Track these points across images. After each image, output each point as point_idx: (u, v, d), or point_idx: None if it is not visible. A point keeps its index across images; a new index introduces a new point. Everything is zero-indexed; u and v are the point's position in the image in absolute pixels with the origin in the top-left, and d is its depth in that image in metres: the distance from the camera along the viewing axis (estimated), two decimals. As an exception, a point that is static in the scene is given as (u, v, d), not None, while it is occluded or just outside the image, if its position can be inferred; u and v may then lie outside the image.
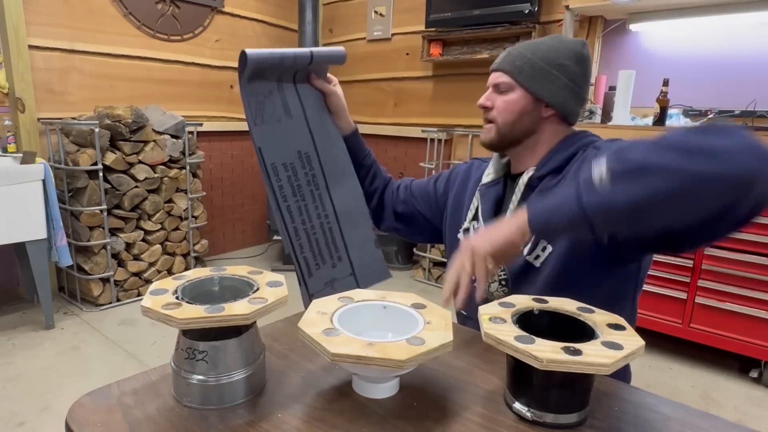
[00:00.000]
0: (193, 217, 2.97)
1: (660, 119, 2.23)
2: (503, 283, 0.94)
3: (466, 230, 1.03)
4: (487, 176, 1.03)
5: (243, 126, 3.59)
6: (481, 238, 0.74)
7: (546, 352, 0.50)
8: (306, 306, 0.75)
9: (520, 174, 0.96)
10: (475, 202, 1.02)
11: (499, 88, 0.95)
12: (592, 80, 2.53)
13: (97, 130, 2.40)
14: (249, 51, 0.87)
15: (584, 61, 0.93)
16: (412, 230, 1.19)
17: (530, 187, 0.93)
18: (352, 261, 1.06)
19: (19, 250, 2.43)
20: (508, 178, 1.01)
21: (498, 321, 0.58)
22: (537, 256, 0.88)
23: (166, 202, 2.80)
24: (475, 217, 1.01)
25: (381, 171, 1.19)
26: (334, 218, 1.04)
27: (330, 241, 1.04)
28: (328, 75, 1.06)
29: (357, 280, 1.05)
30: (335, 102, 1.04)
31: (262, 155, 0.94)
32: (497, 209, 0.98)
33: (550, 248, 0.87)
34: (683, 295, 2.15)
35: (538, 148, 0.95)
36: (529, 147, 0.96)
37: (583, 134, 0.96)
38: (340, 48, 1.01)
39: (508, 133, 0.95)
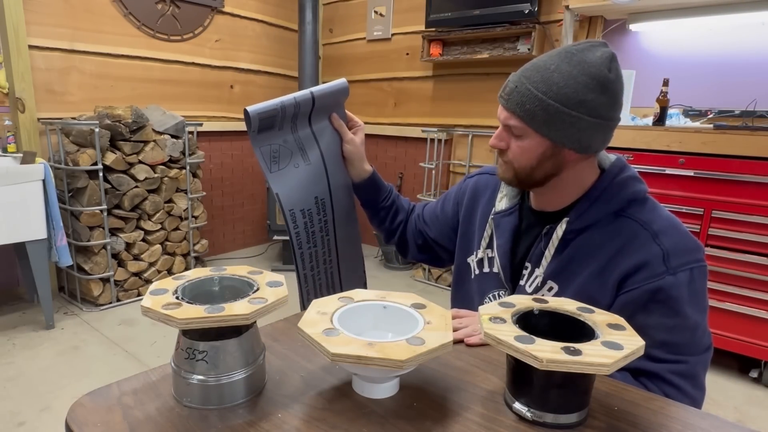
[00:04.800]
0: (193, 217, 2.97)
1: (660, 119, 2.23)
2: None
3: (481, 260, 0.98)
4: (500, 201, 0.97)
5: (243, 126, 3.57)
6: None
7: (546, 352, 0.50)
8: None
9: (543, 213, 0.90)
10: (489, 229, 0.97)
11: (511, 131, 0.83)
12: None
13: (97, 130, 2.40)
14: (250, 108, 0.84)
15: (611, 85, 0.76)
16: (434, 258, 1.17)
17: (563, 239, 0.85)
18: (342, 276, 1.04)
19: (19, 250, 2.43)
20: (522, 205, 0.95)
21: (498, 321, 0.58)
22: (543, 295, 0.86)
23: (166, 202, 2.80)
24: (489, 245, 0.97)
25: (403, 204, 1.15)
26: (336, 263, 1.02)
27: (330, 286, 1.02)
28: (353, 117, 1.03)
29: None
30: (350, 150, 1.01)
31: (280, 201, 0.91)
32: (514, 240, 0.93)
33: (556, 288, 0.85)
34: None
35: (565, 188, 0.86)
36: (554, 188, 0.86)
37: (617, 171, 0.85)
38: (341, 80, 0.98)
39: (527, 179, 0.85)
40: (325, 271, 1.00)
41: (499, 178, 0.92)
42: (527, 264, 0.90)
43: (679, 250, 0.77)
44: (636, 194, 0.84)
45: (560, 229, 0.84)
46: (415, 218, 1.15)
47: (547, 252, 0.86)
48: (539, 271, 0.87)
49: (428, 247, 1.14)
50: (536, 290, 0.88)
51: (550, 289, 0.86)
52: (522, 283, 0.91)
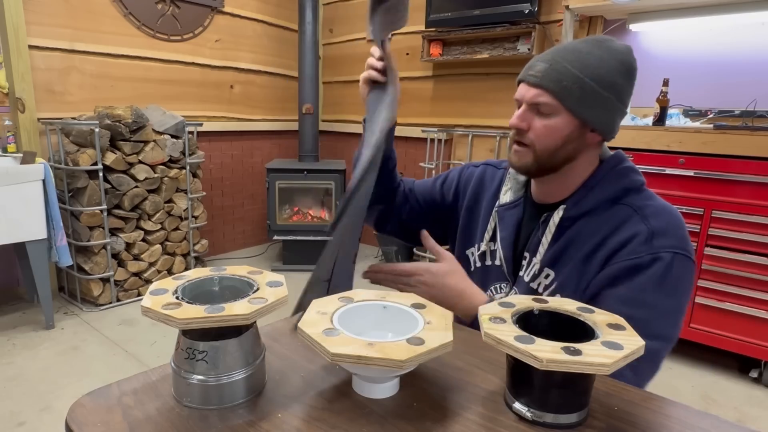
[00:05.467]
0: (193, 217, 2.97)
1: (660, 119, 2.23)
2: None
3: (483, 253, 0.98)
4: (505, 195, 0.97)
5: (243, 126, 3.59)
6: (440, 293, 0.85)
7: (546, 352, 0.50)
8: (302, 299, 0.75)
9: (544, 204, 0.90)
10: (492, 222, 0.97)
11: (539, 110, 0.82)
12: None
13: (97, 130, 2.40)
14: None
15: (634, 74, 0.82)
16: (414, 236, 1.12)
17: (560, 227, 0.85)
18: (335, 265, 0.94)
19: (19, 250, 2.43)
20: (526, 199, 0.95)
21: (498, 321, 0.58)
22: (539, 283, 0.87)
23: (166, 202, 2.80)
24: (492, 239, 0.97)
25: (396, 173, 1.13)
26: (348, 212, 0.91)
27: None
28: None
29: (329, 287, 0.91)
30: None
31: (364, 125, 0.87)
32: (517, 233, 0.93)
33: (553, 275, 0.86)
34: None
35: (572, 176, 0.87)
36: (563, 175, 0.86)
37: (616, 162, 0.87)
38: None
39: (547, 161, 0.84)
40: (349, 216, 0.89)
41: (513, 165, 0.89)
42: (526, 254, 0.90)
43: (665, 233, 0.77)
44: (633, 183, 0.84)
45: (557, 216, 0.85)
46: (405, 192, 1.11)
47: (543, 239, 0.87)
48: (536, 259, 0.87)
49: (412, 224, 1.09)
50: (533, 278, 0.88)
51: (547, 276, 0.86)
52: (521, 273, 0.91)
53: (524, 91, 0.83)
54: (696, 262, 0.81)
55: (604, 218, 0.82)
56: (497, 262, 0.96)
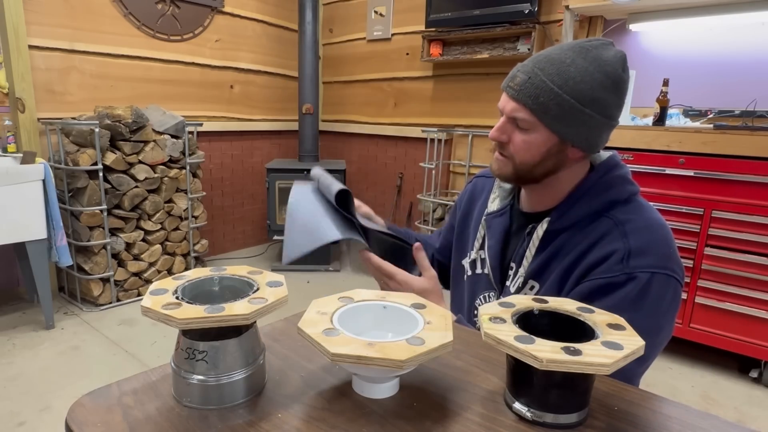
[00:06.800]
0: (193, 217, 2.97)
1: (660, 119, 2.23)
2: None
3: (474, 261, 0.98)
4: (492, 202, 0.97)
5: (243, 126, 3.59)
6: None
7: (546, 352, 0.50)
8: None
9: (532, 214, 0.89)
10: (482, 230, 0.97)
11: (517, 124, 0.80)
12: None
13: (97, 130, 2.40)
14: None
15: (623, 86, 0.77)
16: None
17: (544, 239, 0.84)
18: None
19: (19, 250, 2.43)
20: (513, 207, 0.95)
21: (498, 321, 0.58)
22: (525, 294, 0.87)
23: (166, 202, 2.80)
24: (482, 247, 0.96)
25: (413, 236, 1.10)
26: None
27: None
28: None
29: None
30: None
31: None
32: (505, 241, 0.93)
33: (537, 287, 0.85)
34: (683, 295, 2.15)
35: (558, 186, 0.85)
36: (548, 186, 0.85)
37: (606, 169, 0.84)
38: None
39: (527, 174, 0.83)
40: None
41: (493, 173, 0.89)
42: (512, 264, 0.90)
43: (644, 252, 0.75)
44: (620, 194, 0.82)
45: (541, 229, 0.84)
46: (434, 253, 1.13)
47: (527, 252, 0.86)
48: (522, 271, 0.87)
49: (446, 275, 1.11)
50: (518, 290, 0.87)
51: (532, 288, 0.86)
52: (508, 283, 0.90)
53: (504, 103, 0.81)
54: (681, 280, 0.77)
55: (586, 232, 0.81)
56: (486, 271, 0.95)
